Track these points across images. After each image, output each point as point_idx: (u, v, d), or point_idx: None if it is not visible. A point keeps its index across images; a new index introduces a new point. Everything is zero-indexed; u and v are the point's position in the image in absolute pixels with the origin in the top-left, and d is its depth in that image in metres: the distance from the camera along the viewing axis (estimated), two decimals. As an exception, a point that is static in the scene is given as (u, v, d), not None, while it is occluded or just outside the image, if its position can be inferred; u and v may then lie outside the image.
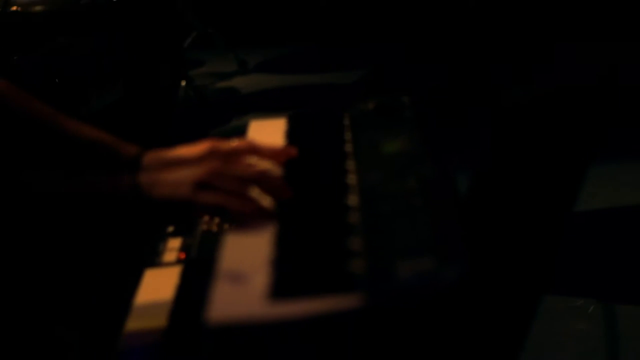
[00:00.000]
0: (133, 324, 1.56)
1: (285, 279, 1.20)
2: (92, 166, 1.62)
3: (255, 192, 1.44)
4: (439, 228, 1.24)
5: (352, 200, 1.41)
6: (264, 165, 1.53)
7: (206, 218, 1.56)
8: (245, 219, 1.40)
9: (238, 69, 5.99)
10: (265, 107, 5.16)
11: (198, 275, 1.60)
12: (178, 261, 1.77)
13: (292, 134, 1.78)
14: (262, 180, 1.44)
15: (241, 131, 4.28)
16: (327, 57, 5.97)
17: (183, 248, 1.80)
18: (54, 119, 1.63)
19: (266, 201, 1.43)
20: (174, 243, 1.84)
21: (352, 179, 1.50)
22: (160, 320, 1.52)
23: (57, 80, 3.44)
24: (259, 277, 1.21)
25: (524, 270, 1.41)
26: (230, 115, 5.06)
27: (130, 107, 4.03)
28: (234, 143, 1.64)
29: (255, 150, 1.61)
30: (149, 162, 1.59)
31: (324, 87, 5.33)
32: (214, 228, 1.55)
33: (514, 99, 1.44)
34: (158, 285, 1.68)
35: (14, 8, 3.69)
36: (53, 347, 1.49)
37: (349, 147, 1.65)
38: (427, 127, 1.66)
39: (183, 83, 5.13)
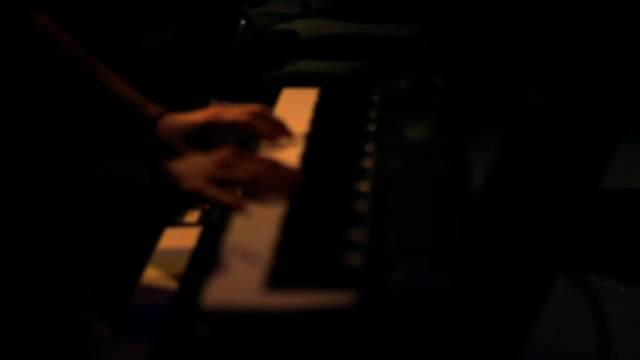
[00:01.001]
0: (148, 278, 1.60)
1: (283, 269, 1.22)
2: (113, 119, 1.66)
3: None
4: (442, 229, 1.25)
5: (364, 186, 1.42)
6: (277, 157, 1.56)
7: None
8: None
9: (300, 11, 5.96)
10: (321, 55, 5.14)
11: (213, 242, 1.63)
12: (198, 222, 1.79)
13: (320, 107, 1.79)
14: (271, 174, 1.47)
15: (295, 78, 4.26)
16: (391, 6, 5.91)
17: (204, 210, 1.83)
18: (89, 66, 1.67)
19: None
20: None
21: (368, 162, 1.50)
22: (172, 282, 1.55)
23: (111, 15, 3.46)
24: (258, 264, 1.23)
25: (523, 281, 1.41)
26: (285, 59, 5.05)
27: (185, 45, 4.04)
28: (243, 109, 1.67)
29: (258, 124, 1.66)
30: (162, 128, 1.64)
31: (380, 39, 5.29)
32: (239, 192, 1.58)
33: (536, 96, 1.43)
34: (176, 246, 1.71)
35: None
36: (66, 283, 1.52)
37: (372, 127, 1.66)
38: (454, 115, 1.65)
39: (242, 22, 5.13)
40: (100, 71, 1.69)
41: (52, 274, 1.46)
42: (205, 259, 1.58)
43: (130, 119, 1.67)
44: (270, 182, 1.45)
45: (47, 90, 1.61)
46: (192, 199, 1.59)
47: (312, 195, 1.42)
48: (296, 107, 1.71)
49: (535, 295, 1.48)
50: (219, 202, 1.45)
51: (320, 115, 1.74)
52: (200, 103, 3.97)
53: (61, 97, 1.67)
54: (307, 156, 1.56)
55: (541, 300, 1.50)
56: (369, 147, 1.56)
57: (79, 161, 1.45)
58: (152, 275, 1.62)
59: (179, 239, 1.74)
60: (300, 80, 4.59)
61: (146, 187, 1.47)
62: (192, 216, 1.82)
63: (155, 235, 1.75)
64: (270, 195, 1.44)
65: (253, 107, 1.66)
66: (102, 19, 3.45)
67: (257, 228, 1.34)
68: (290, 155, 1.58)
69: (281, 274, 1.20)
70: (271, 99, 1.93)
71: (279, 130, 1.67)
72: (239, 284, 1.20)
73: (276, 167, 1.48)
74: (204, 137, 1.65)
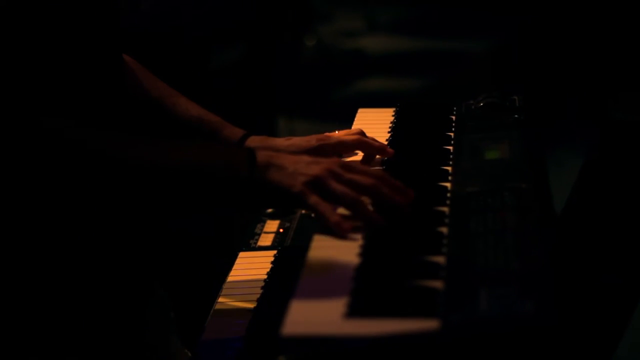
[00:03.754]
0: (221, 307, 1.58)
1: (365, 297, 1.18)
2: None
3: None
4: (527, 253, 1.21)
5: (444, 209, 1.38)
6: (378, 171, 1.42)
7: None
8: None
9: (367, 27, 5.93)
10: (390, 72, 5.11)
11: (289, 267, 1.61)
12: (273, 246, 1.78)
13: (397, 127, 1.76)
14: (377, 189, 1.34)
15: (363, 96, 4.25)
16: (460, 21, 5.86)
17: (279, 233, 1.81)
18: (168, 96, 1.63)
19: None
20: (271, 226, 1.85)
21: (447, 184, 1.47)
22: (246, 310, 1.54)
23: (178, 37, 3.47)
24: (338, 291, 1.19)
25: (609, 305, 1.36)
26: (354, 77, 5.03)
27: (252, 64, 4.05)
28: (342, 134, 1.63)
29: (364, 144, 1.60)
30: (253, 146, 1.58)
31: (449, 55, 5.24)
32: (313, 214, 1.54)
33: (616, 112, 1.38)
34: (250, 271, 1.69)
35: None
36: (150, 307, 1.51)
37: (451, 147, 1.62)
38: (533, 134, 1.61)
39: (309, 41, 5.12)
40: (180, 102, 1.65)
41: (136, 291, 1.45)
42: (281, 285, 1.56)
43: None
44: (382, 196, 1.32)
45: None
46: (286, 205, 1.49)
47: (391, 219, 1.38)
48: (373, 127, 1.68)
49: (621, 318, 1.44)
50: (317, 215, 1.30)
51: (398, 136, 1.71)
52: (268, 122, 3.98)
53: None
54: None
55: (626, 323, 1.45)
56: (448, 168, 1.53)
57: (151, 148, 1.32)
58: (225, 300, 1.60)
59: (253, 263, 1.72)
60: (369, 99, 4.56)
61: (240, 182, 1.30)
62: (266, 240, 1.81)
63: (229, 259, 1.74)
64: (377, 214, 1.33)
65: (353, 131, 1.62)
66: (170, 41, 3.47)
67: (336, 252, 1.31)
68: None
69: (363, 301, 1.16)
70: (340, 118, 1.91)
71: (382, 153, 1.61)
72: (319, 312, 1.16)
73: (388, 181, 1.35)
74: None
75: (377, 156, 1.61)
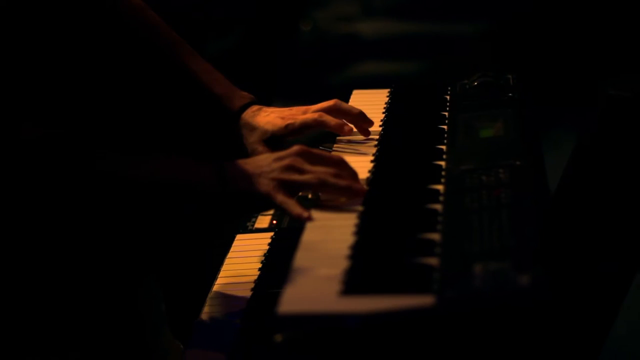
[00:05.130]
0: (218, 290, 1.58)
1: (361, 274, 1.19)
2: (200, 106, 1.63)
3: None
4: (521, 230, 1.21)
5: (439, 187, 1.39)
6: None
7: None
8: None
9: (363, 11, 5.92)
10: (386, 55, 5.10)
11: (285, 248, 1.61)
12: (269, 228, 1.78)
13: (392, 107, 1.76)
14: (341, 174, 1.41)
15: (359, 80, 4.23)
16: (455, 4, 5.85)
17: (275, 215, 1.81)
18: (179, 50, 1.64)
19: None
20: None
21: (442, 163, 1.47)
22: (244, 291, 1.54)
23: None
24: (333, 269, 1.20)
25: (603, 281, 1.37)
26: (350, 61, 5.02)
27: (246, 51, 4.04)
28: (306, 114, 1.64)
29: (341, 109, 1.62)
30: (243, 123, 1.62)
31: (445, 37, 5.23)
32: (310, 195, 1.55)
33: (612, 91, 1.38)
34: (247, 253, 1.70)
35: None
36: (142, 297, 1.51)
37: (445, 127, 1.62)
38: (527, 113, 1.62)
39: (305, 26, 5.11)
40: (186, 54, 1.66)
41: (127, 287, 1.46)
42: (278, 266, 1.57)
43: (215, 110, 1.63)
44: (339, 184, 1.39)
45: (129, 74, 1.57)
46: (260, 206, 1.56)
47: (386, 198, 1.38)
48: (367, 108, 1.67)
49: (616, 294, 1.44)
50: (285, 209, 1.39)
51: (392, 116, 1.71)
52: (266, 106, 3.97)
53: (142, 80, 1.63)
54: (381, 157, 1.53)
55: (620, 299, 1.46)
56: (443, 147, 1.53)
57: (132, 167, 1.39)
58: (223, 282, 1.61)
59: (250, 245, 1.73)
60: (366, 82, 4.55)
61: (214, 194, 1.40)
62: (263, 222, 1.81)
63: (225, 243, 1.74)
64: (339, 198, 1.40)
65: (325, 104, 1.63)
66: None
67: (330, 232, 1.32)
68: (362, 156, 1.55)
69: (359, 279, 1.17)
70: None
71: (358, 120, 1.63)
72: (315, 291, 1.17)
73: (345, 166, 1.42)
74: (279, 141, 1.61)
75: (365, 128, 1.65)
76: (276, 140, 1.60)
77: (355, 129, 1.64)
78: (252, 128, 1.62)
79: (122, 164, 1.37)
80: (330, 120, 1.61)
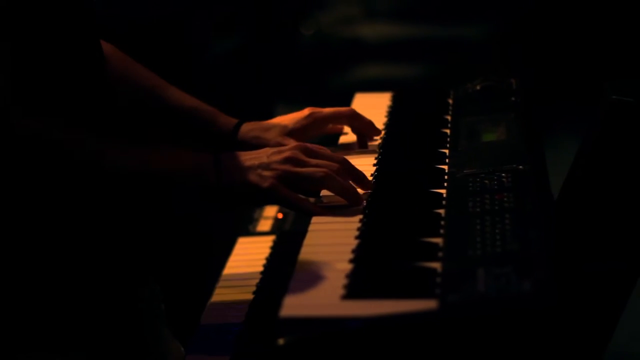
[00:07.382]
0: (220, 293, 1.58)
1: (364, 278, 1.19)
2: (189, 135, 1.61)
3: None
4: (524, 234, 1.21)
5: (441, 191, 1.38)
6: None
7: None
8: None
9: (366, 14, 5.91)
10: (388, 58, 5.10)
11: (287, 251, 1.61)
12: (271, 231, 1.78)
13: (394, 111, 1.76)
14: (343, 172, 1.38)
15: (362, 83, 4.23)
16: (458, 7, 5.84)
17: (277, 218, 1.81)
18: (158, 86, 1.62)
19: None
20: (270, 211, 1.85)
21: (445, 167, 1.47)
22: (245, 294, 1.54)
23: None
24: (336, 272, 1.20)
25: (606, 286, 1.36)
26: (352, 64, 5.02)
27: (248, 53, 4.04)
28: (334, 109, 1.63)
29: (354, 117, 1.61)
30: (245, 132, 1.59)
31: (447, 41, 5.23)
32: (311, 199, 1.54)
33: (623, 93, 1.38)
34: (249, 256, 1.69)
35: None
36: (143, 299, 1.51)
37: (448, 131, 1.62)
38: (530, 117, 1.62)
39: (307, 29, 5.11)
40: (172, 93, 1.64)
41: (128, 287, 1.45)
42: (280, 269, 1.57)
43: (205, 133, 1.61)
44: (342, 181, 1.36)
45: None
46: (258, 202, 1.52)
47: (389, 201, 1.38)
48: (370, 112, 1.67)
49: (619, 298, 1.44)
50: (290, 204, 1.35)
51: (395, 119, 1.71)
52: (267, 110, 3.98)
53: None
54: (383, 161, 1.52)
55: (622, 305, 1.45)
56: (446, 150, 1.53)
57: (126, 157, 1.34)
58: (225, 285, 1.60)
59: (252, 248, 1.73)
60: (368, 86, 4.55)
61: (210, 188, 1.34)
62: (265, 225, 1.81)
63: (227, 245, 1.74)
64: (341, 196, 1.38)
65: (344, 109, 1.62)
66: (169, 28, 3.46)
67: (333, 235, 1.32)
68: (365, 159, 1.55)
69: (361, 283, 1.17)
70: (339, 105, 1.90)
71: (371, 130, 1.62)
72: (317, 294, 1.17)
73: (349, 165, 1.39)
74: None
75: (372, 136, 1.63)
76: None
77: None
78: (266, 128, 1.58)
79: (120, 154, 1.34)
80: (364, 117, 1.60)
